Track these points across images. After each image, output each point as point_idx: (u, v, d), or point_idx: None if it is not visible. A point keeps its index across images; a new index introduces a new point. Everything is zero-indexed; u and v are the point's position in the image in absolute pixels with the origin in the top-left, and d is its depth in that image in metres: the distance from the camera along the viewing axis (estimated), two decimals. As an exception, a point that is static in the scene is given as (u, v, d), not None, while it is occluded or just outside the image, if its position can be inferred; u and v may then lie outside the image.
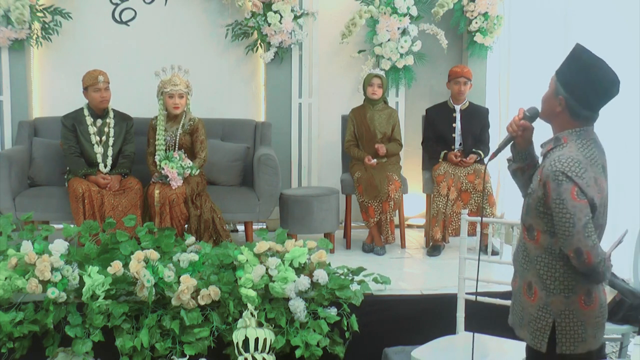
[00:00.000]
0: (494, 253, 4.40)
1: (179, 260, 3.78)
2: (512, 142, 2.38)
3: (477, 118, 5.11)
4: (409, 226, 5.69)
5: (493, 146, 5.14)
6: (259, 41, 5.46)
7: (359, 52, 5.67)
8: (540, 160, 2.35)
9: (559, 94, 2.24)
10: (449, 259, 4.76)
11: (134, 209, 4.50)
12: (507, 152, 2.46)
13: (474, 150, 5.01)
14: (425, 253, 4.99)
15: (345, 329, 3.68)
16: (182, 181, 4.49)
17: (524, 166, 2.41)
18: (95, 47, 5.41)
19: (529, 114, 2.34)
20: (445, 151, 5.03)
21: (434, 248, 4.94)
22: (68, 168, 4.66)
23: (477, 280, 2.54)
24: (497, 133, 5.73)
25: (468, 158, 4.95)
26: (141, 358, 3.54)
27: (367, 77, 5.06)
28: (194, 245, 4.04)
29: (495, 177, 5.51)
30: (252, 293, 3.62)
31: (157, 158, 4.56)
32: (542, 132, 2.44)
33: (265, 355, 3.50)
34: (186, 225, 4.57)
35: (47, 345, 3.58)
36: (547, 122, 2.33)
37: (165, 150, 4.63)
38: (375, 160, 4.91)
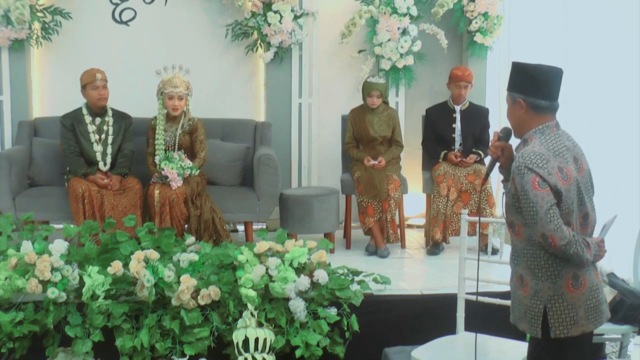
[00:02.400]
0: (494, 252, 4.41)
1: (179, 260, 3.78)
2: (497, 163, 2.55)
3: (477, 118, 5.10)
4: (409, 226, 5.68)
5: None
6: (259, 41, 5.46)
7: (359, 52, 5.67)
8: None
9: (516, 99, 2.43)
10: (449, 259, 4.76)
11: (134, 209, 4.50)
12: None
13: (473, 150, 5.01)
14: (425, 253, 4.99)
15: (345, 329, 3.68)
16: (182, 181, 4.49)
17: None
18: (95, 47, 5.41)
19: (502, 134, 2.52)
20: (445, 151, 5.03)
21: (434, 246, 4.93)
22: (68, 168, 4.66)
23: (477, 280, 2.58)
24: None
25: (468, 158, 4.95)
26: (141, 358, 3.54)
27: (366, 86, 4.97)
28: (194, 245, 4.04)
29: (495, 178, 5.51)
30: (252, 293, 3.62)
31: (157, 159, 4.56)
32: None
33: (265, 355, 3.50)
34: (186, 225, 4.56)
35: (47, 345, 3.58)
36: (517, 135, 2.48)
37: (165, 150, 4.63)
38: (374, 161, 4.90)
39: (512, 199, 2.37)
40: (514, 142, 2.54)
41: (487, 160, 5.15)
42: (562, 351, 2.39)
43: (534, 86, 2.39)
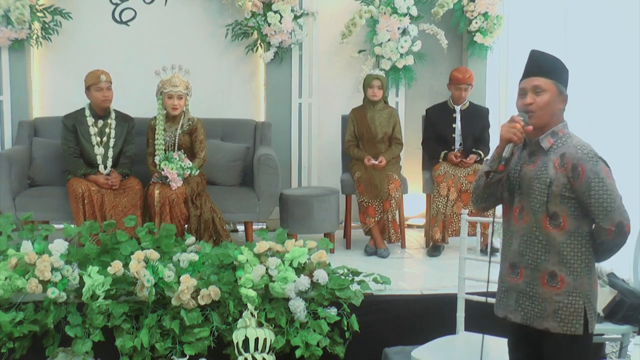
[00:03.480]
0: (494, 251, 4.40)
1: (179, 260, 3.78)
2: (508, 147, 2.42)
3: (477, 118, 5.10)
4: (409, 226, 5.69)
5: (493, 146, 5.13)
6: (259, 41, 5.46)
7: (359, 52, 5.67)
8: (522, 155, 2.45)
9: (563, 91, 2.40)
10: (449, 259, 4.77)
11: (134, 209, 4.50)
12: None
13: (473, 150, 5.00)
14: (425, 253, 4.99)
15: (345, 329, 3.68)
16: (181, 182, 4.49)
17: (504, 174, 2.45)
18: (95, 47, 5.41)
19: (524, 120, 2.40)
20: (445, 151, 5.03)
21: (434, 248, 4.94)
22: (67, 168, 4.65)
23: (488, 282, 2.59)
24: (496, 133, 5.73)
25: (468, 158, 4.95)
26: (141, 358, 3.54)
27: (367, 78, 5.05)
28: (194, 245, 4.04)
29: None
30: (252, 293, 3.62)
31: (156, 159, 4.56)
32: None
33: (265, 355, 3.50)
34: (186, 225, 4.57)
35: (47, 345, 3.58)
36: (542, 125, 2.40)
37: (165, 150, 4.63)
38: (375, 161, 4.90)
39: (563, 188, 2.31)
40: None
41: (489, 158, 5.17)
42: (591, 346, 2.41)
43: (566, 78, 2.43)
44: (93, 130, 4.62)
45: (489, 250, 4.20)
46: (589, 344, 2.40)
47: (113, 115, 4.69)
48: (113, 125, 4.67)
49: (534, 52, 2.46)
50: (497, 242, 4.63)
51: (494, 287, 3.15)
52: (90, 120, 4.63)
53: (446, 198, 4.88)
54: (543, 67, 2.40)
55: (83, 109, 4.66)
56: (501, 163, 2.38)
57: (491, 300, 3.27)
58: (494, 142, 5.17)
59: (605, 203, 2.28)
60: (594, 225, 2.35)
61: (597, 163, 2.28)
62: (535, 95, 2.38)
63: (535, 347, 2.47)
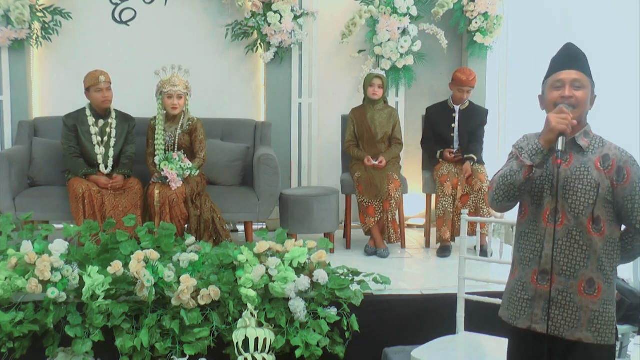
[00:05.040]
0: (484, 252, 4.40)
1: (179, 260, 3.78)
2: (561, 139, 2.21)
3: (476, 118, 5.09)
4: (409, 226, 5.69)
5: (488, 145, 5.12)
6: (259, 41, 5.46)
7: (359, 52, 5.67)
8: (557, 156, 2.19)
9: (593, 88, 2.30)
10: (449, 259, 4.78)
11: (134, 209, 4.50)
12: (500, 157, 2.44)
13: (465, 156, 4.97)
14: (425, 253, 4.99)
15: (345, 329, 3.68)
16: (181, 182, 4.49)
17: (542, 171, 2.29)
18: (95, 47, 5.42)
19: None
20: (440, 150, 5.02)
21: (443, 249, 4.90)
22: (67, 168, 4.65)
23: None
24: (496, 133, 5.74)
25: (464, 167, 4.91)
26: (141, 358, 3.54)
27: (367, 77, 5.05)
28: (194, 245, 4.04)
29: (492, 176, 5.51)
30: (252, 293, 3.62)
31: (156, 159, 4.56)
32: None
33: (265, 355, 3.50)
34: (186, 225, 4.57)
35: (47, 345, 3.57)
36: (579, 123, 2.26)
37: (165, 150, 4.63)
38: (375, 161, 4.90)
39: (607, 192, 2.20)
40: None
41: (491, 158, 5.17)
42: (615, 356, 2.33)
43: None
44: (94, 130, 4.62)
45: (477, 249, 4.19)
46: (615, 354, 2.30)
47: (114, 115, 4.69)
48: (114, 125, 4.67)
49: (571, 45, 2.33)
50: (498, 243, 4.64)
51: (486, 287, 3.10)
52: (91, 120, 4.63)
53: (452, 197, 4.87)
54: (581, 62, 2.27)
55: (84, 109, 4.66)
56: (558, 157, 2.14)
57: (482, 299, 3.29)
58: (493, 142, 5.18)
59: None
60: (622, 230, 2.28)
61: (639, 167, 2.23)
62: (574, 89, 2.23)
63: None
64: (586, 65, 2.28)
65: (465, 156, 4.96)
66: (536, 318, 2.27)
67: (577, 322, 2.21)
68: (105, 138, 4.64)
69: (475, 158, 4.95)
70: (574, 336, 2.21)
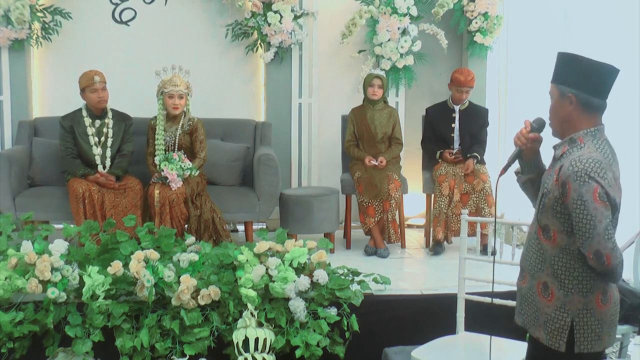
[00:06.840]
0: (485, 252, 4.40)
1: (179, 260, 3.78)
2: (520, 154, 2.36)
3: (476, 118, 5.09)
4: (409, 226, 5.69)
5: (488, 144, 5.13)
6: (259, 41, 5.46)
7: (359, 52, 5.67)
8: (550, 162, 2.33)
9: (566, 93, 2.23)
10: (449, 259, 4.77)
11: (134, 209, 4.50)
12: (515, 164, 2.46)
13: (469, 155, 4.97)
14: (425, 253, 4.99)
15: (345, 329, 3.68)
16: (181, 182, 4.49)
17: (533, 177, 2.40)
18: (95, 47, 5.42)
19: (536, 125, 2.33)
20: (440, 150, 5.02)
21: (436, 245, 4.92)
22: (65, 169, 4.64)
23: (493, 282, 2.60)
24: (497, 133, 5.74)
25: (466, 163, 4.91)
26: (141, 358, 3.54)
27: (367, 77, 5.05)
28: (194, 245, 4.04)
29: (494, 177, 5.51)
30: (252, 293, 3.62)
31: (156, 159, 4.56)
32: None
33: (265, 355, 3.50)
34: (186, 225, 4.57)
35: (47, 345, 3.58)
36: (558, 132, 2.29)
37: (165, 150, 4.63)
38: (375, 162, 4.90)
39: (555, 202, 2.17)
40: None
41: (491, 158, 5.17)
42: None
43: (588, 81, 2.21)
44: (90, 130, 4.62)
45: (483, 250, 4.20)
46: None
47: (110, 114, 4.69)
48: (110, 125, 4.67)
49: (558, 54, 2.29)
50: (498, 243, 4.64)
51: (486, 287, 3.12)
52: (87, 121, 4.62)
53: (448, 198, 4.87)
54: (555, 70, 2.27)
55: (80, 110, 4.65)
56: (506, 168, 2.30)
57: (482, 299, 3.29)
58: (492, 142, 5.17)
59: (584, 228, 2.10)
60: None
61: (583, 184, 2.08)
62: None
63: None
64: (556, 70, 2.27)
65: (469, 155, 4.97)
66: (516, 310, 2.43)
67: (537, 320, 2.31)
68: (102, 138, 4.64)
69: (479, 156, 4.95)
70: (534, 333, 2.32)
